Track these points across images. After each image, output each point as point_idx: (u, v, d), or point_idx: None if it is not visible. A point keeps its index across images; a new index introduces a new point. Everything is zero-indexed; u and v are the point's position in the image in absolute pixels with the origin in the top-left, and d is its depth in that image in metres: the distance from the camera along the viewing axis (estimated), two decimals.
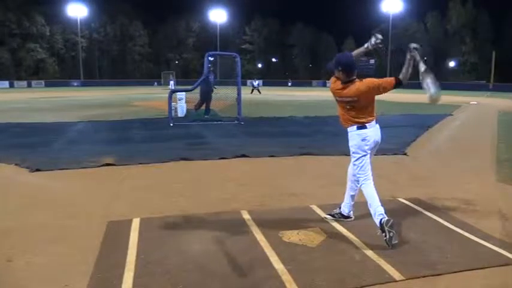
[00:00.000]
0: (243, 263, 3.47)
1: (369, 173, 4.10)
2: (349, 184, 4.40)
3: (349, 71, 3.97)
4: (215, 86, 15.69)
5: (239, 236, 4.06)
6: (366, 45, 4.21)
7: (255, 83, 41.69)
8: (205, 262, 3.46)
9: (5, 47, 71.23)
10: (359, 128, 4.02)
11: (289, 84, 67.37)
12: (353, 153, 4.12)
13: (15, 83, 60.94)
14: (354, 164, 4.14)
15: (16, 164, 7.14)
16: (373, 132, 4.05)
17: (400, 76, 3.89)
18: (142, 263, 3.42)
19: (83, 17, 73.68)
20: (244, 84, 45.08)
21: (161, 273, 3.25)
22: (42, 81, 63.66)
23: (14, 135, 11.00)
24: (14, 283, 3.15)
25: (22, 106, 21.81)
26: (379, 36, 4.17)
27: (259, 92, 38.76)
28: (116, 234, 4.07)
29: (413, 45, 3.98)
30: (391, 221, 3.79)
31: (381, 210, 3.89)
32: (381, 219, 3.81)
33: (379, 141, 4.16)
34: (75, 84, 64.26)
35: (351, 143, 4.11)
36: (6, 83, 59.20)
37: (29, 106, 21.94)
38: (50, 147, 8.98)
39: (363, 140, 4.02)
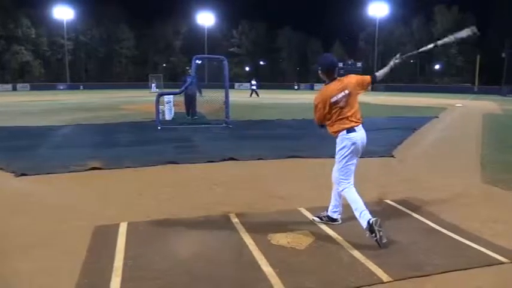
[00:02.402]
0: (231, 266, 3.46)
1: (351, 178, 4.15)
2: (335, 188, 4.43)
3: (331, 71, 4.14)
4: (199, 91, 15.63)
5: (227, 239, 4.05)
6: (391, 64, 4.32)
7: (253, 83, 39.76)
8: (193, 266, 3.45)
9: None
10: (348, 132, 4.05)
11: (296, 87, 67.20)
12: (341, 157, 4.13)
13: (0, 86, 60.04)
14: (341, 167, 4.16)
15: (1, 169, 7.03)
16: (360, 135, 4.10)
17: (376, 74, 4.27)
18: (130, 268, 3.39)
19: (69, 20, 72.88)
20: (232, 87, 45.11)
21: (149, 278, 3.23)
22: (28, 85, 62.77)
23: None
24: None
25: (7, 110, 21.50)
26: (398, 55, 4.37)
27: (257, 95, 36.95)
28: (103, 238, 4.03)
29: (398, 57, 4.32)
30: (379, 220, 3.84)
31: (367, 212, 3.93)
32: (369, 220, 3.83)
33: (365, 144, 4.20)
34: (62, 87, 63.51)
35: (339, 147, 4.14)
36: None
37: (14, 110, 21.64)
38: (36, 151, 8.86)
39: (353, 143, 4.05)
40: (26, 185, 6.16)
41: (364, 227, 3.87)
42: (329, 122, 4.16)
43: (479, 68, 63.05)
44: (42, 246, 3.86)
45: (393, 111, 21.36)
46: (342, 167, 4.14)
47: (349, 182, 4.13)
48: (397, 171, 7.36)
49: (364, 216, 3.91)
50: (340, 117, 4.07)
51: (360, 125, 4.13)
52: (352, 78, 4.14)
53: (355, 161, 4.15)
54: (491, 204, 5.34)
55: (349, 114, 4.06)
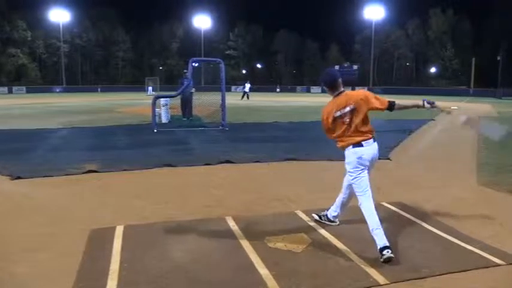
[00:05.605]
0: (228, 269, 3.46)
1: (367, 189, 3.94)
2: (342, 192, 4.39)
3: (334, 86, 4.02)
4: (192, 91, 15.60)
5: (224, 242, 4.04)
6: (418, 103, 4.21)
7: (247, 87, 40.78)
8: (190, 269, 3.44)
9: None
10: (354, 147, 3.93)
11: (278, 90, 67.43)
12: (349, 172, 4.01)
13: None
14: (352, 182, 4.02)
15: None
16: (367, 150, 3.97)
17: (396, 102, 4.04)
18: (126, 271, 3.38)
19: (65, 22, 72.86)
20: (229, 90, 45.14)
21: (145, 282, 3.22)
22: (24, 87, 62.62)
23: None
24: None
25: (2, 112, 21.40)
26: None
27: (248, 98, 38.10)
28: (99, 242, 4.02)
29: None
30: (393, 258, 3.60)
31: (381, 233, 3.71)
32: (383, 249, 3.61)
33: (376, 158, 4.09)
34: (58, 90, 63.35)
35: (346, 161, 4.02)
36: None
37: (9, 112, 21.57)
38: (31, 154, 8.82)
39: (359, 158, 3.92)
40: (22, 188, 6.12)
41: (380, 248, 3.65)
42: (336, 136, 4.04)
43: (475, 70, 63.43)
44: (38, 250, 3.84)
45: (389, 113, 21.32)
46: (352, 181, 4.01)
47: (363, 195, 3.92)
48: (394, 174, 7.36)
49: (378, 238, 3.71)
50: (347, 132, 3.95)
51: (370, 140, 3.99)
52: (361, 94, 3.99)
53: (365, 174, 3.97)
54: (487, 206, 5.35)
55: (355, 129, 3.92)
